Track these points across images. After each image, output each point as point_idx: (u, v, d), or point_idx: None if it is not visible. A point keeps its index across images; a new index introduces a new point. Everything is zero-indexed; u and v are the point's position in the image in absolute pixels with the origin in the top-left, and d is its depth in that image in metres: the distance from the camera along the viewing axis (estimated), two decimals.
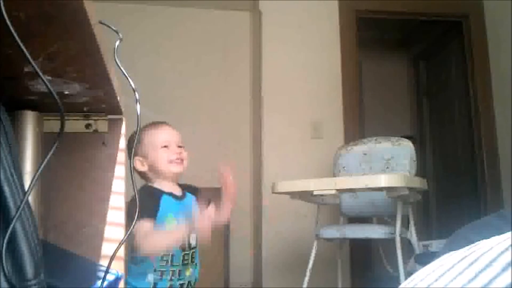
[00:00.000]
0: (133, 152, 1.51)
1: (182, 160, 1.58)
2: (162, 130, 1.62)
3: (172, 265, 1.53)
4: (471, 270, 0.28)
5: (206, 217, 1.43)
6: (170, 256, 1.52)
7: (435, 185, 4.00)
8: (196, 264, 1.61)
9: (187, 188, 1.66)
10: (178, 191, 1.61)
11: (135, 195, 1.50)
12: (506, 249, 0.27)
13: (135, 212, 1.42)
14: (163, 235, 1.49)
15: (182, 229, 1.45)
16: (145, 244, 1.43)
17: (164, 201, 1.54)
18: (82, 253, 0.94)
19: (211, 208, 1.54)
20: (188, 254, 1.58)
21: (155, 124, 1.64)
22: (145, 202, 1.49)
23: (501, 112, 3.23)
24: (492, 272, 0.26)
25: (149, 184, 1.60)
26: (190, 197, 1.64)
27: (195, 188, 1.69)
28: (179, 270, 1.55)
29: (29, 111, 0.88)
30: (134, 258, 1.51)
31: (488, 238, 0.30)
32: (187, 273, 1.58)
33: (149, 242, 1.44)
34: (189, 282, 1.58)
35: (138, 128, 0.90)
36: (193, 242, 1.61)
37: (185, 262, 1.57)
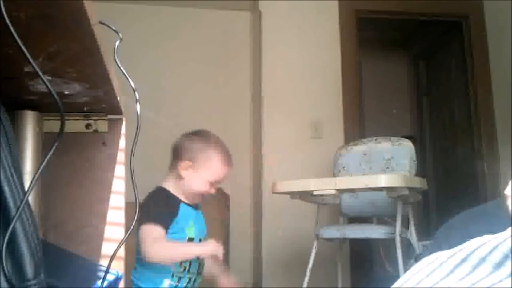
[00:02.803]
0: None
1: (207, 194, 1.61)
2: (226, 169, 1.57)
3: (189, 272, 1.53)
4: (463, 268, 0.28)
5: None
6: (188, 263, 1.52)
7: (435, 185, 3.99)
8: (201, 274, 1.61)
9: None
10: (188, 200, 1.60)
11: (148, 197, 1.53)
12: (496, 246, 0.27)
13: (147, 214, 1.45)
14: (174, 247, 1.48)
15: (194, 249, 1.49)
16: (152, 251, 1.42)
17: (183, 209, 1.53)
18: (82, 253, 0.94)
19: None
20: (201, 264, 1.58)
21: (226, 156, 1.58)
22: (162, 207, 1.51)
23: (501, 112, 3.23)
24: (485, 270, 0.26)
25: (165, 186, 1.57)
26: (200, 210, 1.64)
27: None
28: (194, 279, 1.55)
29: (29, 111, 0.88)
30: (147, 262, 1.48)
31: (487, 226, 0.30)
32: (198, 282, 1.59)
33: (158, 249, 1.43)
34: None
35: (138, 128, 0.90)
36: None
37: (199, 271, 1.58)
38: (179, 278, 1.51)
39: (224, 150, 1.59)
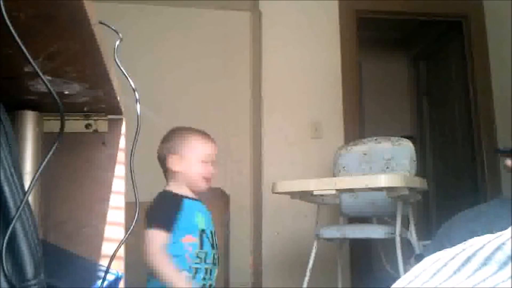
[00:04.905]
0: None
1: (210, 178, 1.64)
2: (209, 144, 1.66)
3: (205, 263, 1.54)
4: (468, 268, 0.28)
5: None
6: (204, 253, 1.54)
7: (435, 185, 3.99)
8: (217, 265, 1.61)
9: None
10: (193, 195, 1.63)
11: (152, 203, 1.56)
12: (500, 247, 0.27)
13: (154, 221, 1.48)
14: (170, 270, 1.46)
15: (181, 283, 1.43)
16: (154, 261, 1.45)
17: (187, 203, 1.57)
18: (82, 253, 0.94)
19: None
20: (216, 253, 1.59)
21: (203, 134, 1.67)
22: (166, 207, 1.55)
23: (501, 112, 3.23)
24: (489, 270, 0.26)
25: (168, 188, 1.62)
26: (204, 204, 1.67)
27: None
28: (210, 270, 1.55)
29: (29, 111, 0.88)
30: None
31: (487, 224, 0.30)
32: (214, 274, 1.58)
33: (154, 262, 1.45)
34: (211, 284, 1.57)
35: (138, 128, 0.90)
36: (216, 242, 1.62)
37: (214, 261, 1.58)
38: (196, 270, 1.51)
39: (195, 129, 1.68)
